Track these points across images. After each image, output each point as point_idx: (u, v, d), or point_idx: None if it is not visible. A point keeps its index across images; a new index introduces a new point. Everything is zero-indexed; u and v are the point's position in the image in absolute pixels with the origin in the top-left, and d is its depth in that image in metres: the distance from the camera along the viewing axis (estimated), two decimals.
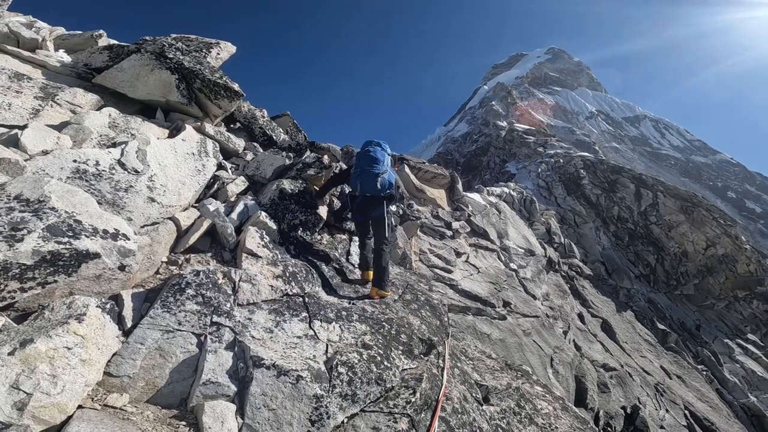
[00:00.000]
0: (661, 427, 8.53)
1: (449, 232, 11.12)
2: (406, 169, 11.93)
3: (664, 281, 18.52)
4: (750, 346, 16.33)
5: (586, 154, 25.08)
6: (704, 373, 13.06)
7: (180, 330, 2.16)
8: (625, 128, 70.93)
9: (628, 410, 8.17)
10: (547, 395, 3.99)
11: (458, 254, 10.39)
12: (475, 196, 14.39)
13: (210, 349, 2.10)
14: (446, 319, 3.97)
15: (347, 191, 4.87)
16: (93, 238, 2.27)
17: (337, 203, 5.04)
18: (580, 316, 12.11)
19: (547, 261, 13.70)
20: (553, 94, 69.93)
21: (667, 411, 9.57)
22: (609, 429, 7.09)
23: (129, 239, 2.43)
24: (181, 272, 2.59)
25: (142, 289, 2.48)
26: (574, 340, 10.18)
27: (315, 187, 4.82)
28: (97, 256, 2.23)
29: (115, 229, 2.41)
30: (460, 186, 14.06)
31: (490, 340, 7.79)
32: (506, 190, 17.56)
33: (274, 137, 6.28)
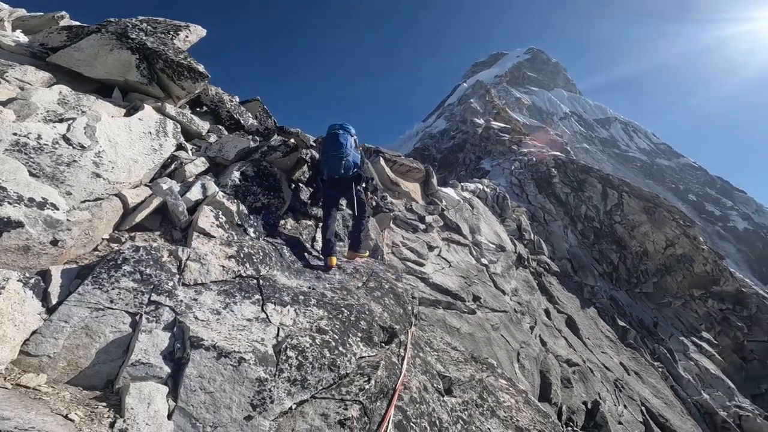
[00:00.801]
0: (619, 423, 8.80)
1: (422, 226, 11.11)
2: (381, 162, 11.83)
3: (625, 279, 19.22)
4: (704, 344, 17.14)
5: (558, 153, 25.68)
6: (660, 369, 13.58)
7: (111, 308, 1.97)
8: (596, 130, 73.16)
9: (589, 405, 8.39)
10: (510, 388, 3.98)
11: (431, 248, 10.38)
12: (449, 191, 14.42)
13: (144, 328, 1.92)
14: (410, 308, 3.90)
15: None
16: (16, 205, 2.05)
17: (305, 189, 4.93)
18: (547, 312, 12.38)
19: (517, 257, 13.93)
20: (530, 93, 71.21)
21: (625, 407, 9.90)
22: (571, 423, 7.25)
23: (58, 209, 2.22)
24: (119, 248, 2.39)
25: (75, 266, 2.27)
26: (540, 336, 10.38)
27: (280, 170, 4.68)
28: (20, 224, 2.01)
29: (43, 198, 2.19)
30: (434, 180, 14.07)
31: (460, 334, 7.81)
32: (480, 186, 17.74)
33: (242, 121, 6.10)
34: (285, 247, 3.77)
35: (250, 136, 5.21)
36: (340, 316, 2.83)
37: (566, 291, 15.01)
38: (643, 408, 10.48)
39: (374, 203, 9.67)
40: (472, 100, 42.83)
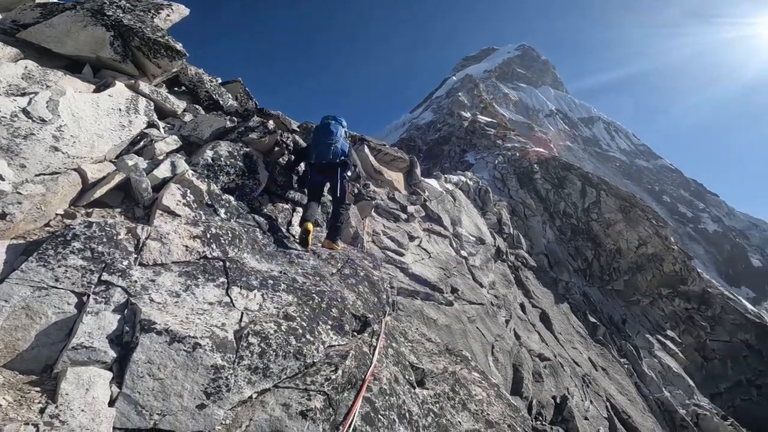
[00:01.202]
0: (585, 418, 9.00)
1: (404, 215, 11.05)
2: (366, 150, 11.71)
3: (598, 276, 19.69)
4: (668, 342, 17.73)
5: (541, 149, 25.97)
6: (626, 366, 13.96)
7: (56, 287, 1.82)
8: (580, 128, 74.11)
9: (558, 400, 8.55)
10: (483, 381, 3.97)
11: (411, 238, 10.34)
12: (432, 182, 14.40)
13: (91, 310, 1.79)
14: (385, 296, 3.84)
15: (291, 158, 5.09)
16: None
17: (283, 173, 4.81)
18: (522, 306, 12.56)
19: (496, 250, 14.06)
20: (517, 90, 71.37)
21: (591, 402, 10.14)
22: (540, 418, 7.40)
23: (3, 179, 2.04)
24: (71, 223, 2.23)
25: (23, 241, 2.10)
26: (514, 329, 10.50)
27: (257, 151, 4.54)
28: None
29: None
30: (418, 171, 14.00)
31: (437, 325, 7.82)
32: (463, 178, 17.78)
33: (221, 102, 6.02)
34: (258, 229, 3.64)
35: (228, 117, 5.08)
36: (311, 302, 2.74)
37: (542, 286, 15.27)
38: (608, 404, 10.76)
39: (356, 191, 9.55)
40: (460, 94, 42.73)
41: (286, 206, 4.66)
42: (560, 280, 16.98)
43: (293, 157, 4.97)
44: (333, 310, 2.85)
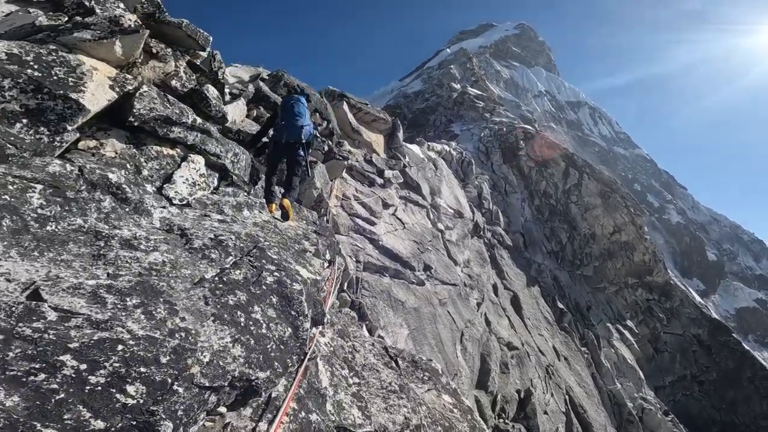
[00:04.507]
0: (545, 413, 8.62)
1: (380, 180, 10.03)
2: (345, 107, 10.57)
3: (570, 260, 19.45)
4: (626, 333, 17.81)
5: (529, 127, 25.01)
6: (586, 356, 13.81)
7: None
8: (566, 111, 73.11)
9: (522, 395, 8.13)
10: (454, 409, 2.99)
11: (386, 205, 9.38)
12: (414, 148, 13.29)
13: None
14: (307, 324, 2.23)
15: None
16: None
17: (154, 104, 3.02)
18: (495, 288, 11.96)
19: (474, 226, 13.29)
20: (510, 68, 68.94)
21: (552, 395, 9.81)
22: (503, 414, 6.83)
23: None
24: None
25: None
26: (485, 314, 9.89)
27: (102, 62, 2.82)
28: None
29: None
30: (400, 134, 12.86)
31: (405, 308, 7.00)
32: (447, 147, 16.70)
33: (98, 10, 3.80)
34: (41, 187, 1.97)
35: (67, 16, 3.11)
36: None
37: (515, 267, 14.73)
38: (567, 397, 10.50)
39: (327, 148, 8.30)
40: (452, 66, 41.10)
41: (168, 151, 3.11)
42: (533, 262, 16.52)
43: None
44: (118, 398, 1.21)
